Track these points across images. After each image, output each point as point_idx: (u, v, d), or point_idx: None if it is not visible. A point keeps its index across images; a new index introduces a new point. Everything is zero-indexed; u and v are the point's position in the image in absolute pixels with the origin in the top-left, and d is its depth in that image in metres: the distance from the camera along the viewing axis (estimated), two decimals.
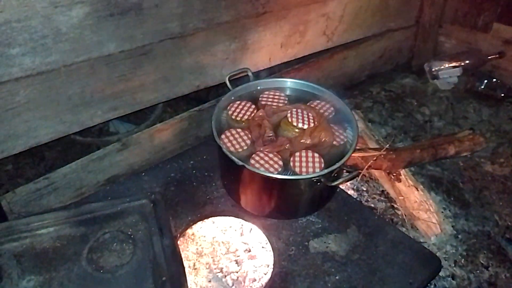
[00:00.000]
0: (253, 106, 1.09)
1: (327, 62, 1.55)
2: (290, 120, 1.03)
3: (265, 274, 0.94)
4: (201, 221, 1.04)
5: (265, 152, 0.97)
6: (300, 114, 1.04)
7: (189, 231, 1.02)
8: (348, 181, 1.23)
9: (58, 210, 0.85)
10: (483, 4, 1.60)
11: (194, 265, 0.96)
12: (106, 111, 1.09)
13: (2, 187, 1.26)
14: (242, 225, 1.04)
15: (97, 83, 1.02)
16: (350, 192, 1.23)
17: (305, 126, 1.02)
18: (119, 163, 1.19)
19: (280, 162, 0.95)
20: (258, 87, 1.16)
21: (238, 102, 1.10)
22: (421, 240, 1.13)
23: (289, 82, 1.19)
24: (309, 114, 1.04)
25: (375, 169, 1.25)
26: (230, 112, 1.06)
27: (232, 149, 0.97)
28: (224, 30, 1.17)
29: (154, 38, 1.04)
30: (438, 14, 1.70)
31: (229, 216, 1.03)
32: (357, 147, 1.28)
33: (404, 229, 1.16)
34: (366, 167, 1.18)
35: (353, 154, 1.20)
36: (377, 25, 1.61)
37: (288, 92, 1.17)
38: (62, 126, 1.03)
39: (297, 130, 1.03)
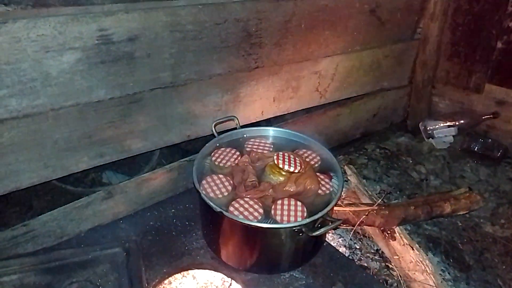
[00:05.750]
0: (238, 153, 1.07)
1: (321, 118, 1.56)
2: (276, 162, 0.99)
3: None
4: (181, 275, 0.97)
5: (246, 199, 0.93)
6: (287, 157, 1.01)
7: (167, 286, 0.95)
8: (331, 230, 1.12)
9: (25, 256, 0.80)
10: (474, 66, 1.64)
11: None
12: (92, 157, 1.07)
13: None
14: (224, 281, 0.97)
15: (85, 129, 1.02)
16: (342, 249, 1.17)
17: (292, 169, 0.98)
18: (103, 212, 1.15)
19: (261, 210, 0.90)
20: (244, 135, 1.15)
21: (223, 148, 1.08)
22: None
23: (275, 131, 1.19)
24: (296, 158, 1.01)
25: (368, 225, 1.20)
26: (213, 158, 1.04)
27: (211, 194, 0.94)
28: (216, 82, 1.18)
29: (145, 87, 1.06)
30: (430, 75, 1.73)
31: (207, 269, 0.97)
32: (350, 202, 1.24)
33: None
34: (358, 222, 1.13)
35: (344, 209, 1.16)
36: (370, 84, 1.64)
37: (274, 141, 1.16)
38: (46, 171, 1.01)
39: (283, 173, 0.99)
